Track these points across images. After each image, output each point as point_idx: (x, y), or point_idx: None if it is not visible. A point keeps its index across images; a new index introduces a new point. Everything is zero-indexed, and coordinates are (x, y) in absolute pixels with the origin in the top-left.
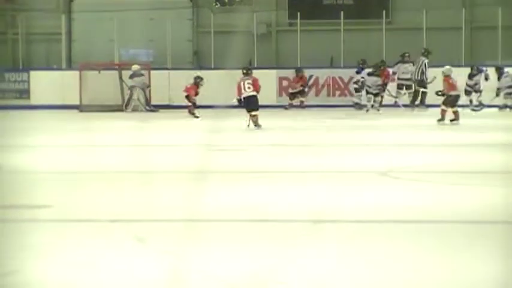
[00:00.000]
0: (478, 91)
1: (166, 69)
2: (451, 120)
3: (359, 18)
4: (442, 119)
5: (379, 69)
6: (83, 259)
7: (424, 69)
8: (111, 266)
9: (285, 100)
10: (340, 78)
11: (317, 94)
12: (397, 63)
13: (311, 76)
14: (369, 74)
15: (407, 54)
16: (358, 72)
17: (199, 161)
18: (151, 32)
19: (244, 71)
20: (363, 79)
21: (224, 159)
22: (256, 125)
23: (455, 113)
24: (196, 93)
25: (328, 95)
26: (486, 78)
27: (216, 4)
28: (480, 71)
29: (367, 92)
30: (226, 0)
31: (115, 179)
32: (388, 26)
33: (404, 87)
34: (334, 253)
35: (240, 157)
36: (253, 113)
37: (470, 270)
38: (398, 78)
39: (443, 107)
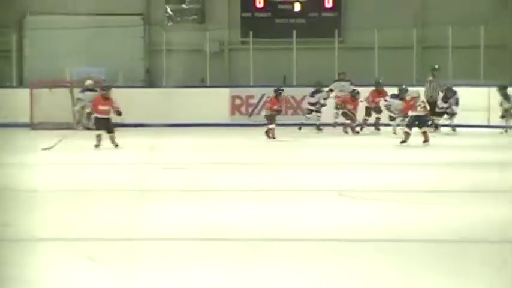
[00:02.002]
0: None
1: (118, 87)
2: (423, 142)
3: (311, 37)
4: (404, 140)
5: (404, 92)
6: (34, 278)
7: (428, 88)
8: (62, 285)
9: (238, 118)
10: (293, 97)
11: None
12: (334, 82)
13: (263, 95)
14: (393, 97)
15: (342, 72)
16: (314, 94)
17: (147, 180)
18: (104, 49)
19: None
20: (387, 103)
21: (172, 177)
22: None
23: (424, 133)
24: (278, 106)
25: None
26: (457, 103)
27: (169, 22)
28: (454, 93)
29: (391, 118)
30: (179, 18)
31: (61, 197)
32: (340, 45)
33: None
34: (287, 272)
35: (189, 175)
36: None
37: None
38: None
39: (405, 128)
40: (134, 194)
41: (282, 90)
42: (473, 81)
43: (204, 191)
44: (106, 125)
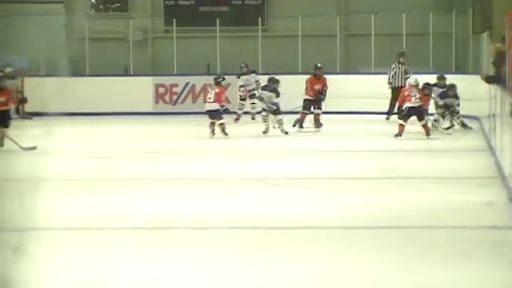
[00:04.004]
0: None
1: (41, 75)
2: (426, 135)
3: (235, 25)
4: (398, 134)
5: (276, 82)
6: None
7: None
8: None
9: (162, 107)
10: None
11: (194, 101)
12: (239, 77)
13: (187, 83)
14: (264, 88)
15: (243, 65)
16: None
17: (74, 169)
18: (25, 38)
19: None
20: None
21: (99, 166)
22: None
23: (424, 126)
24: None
25: (205, 101)
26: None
27: (91, 10)
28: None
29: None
30: (101, 7)
31: None
32: (264, 33)
33: (247, 98)
34: (208, 259)
35: (116, 164)
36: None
37: (341, 274)
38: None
39: (399, 120)
40: (61, 184)
41: (223, 78)
42: None
43: (131, 180)
44: (2, 119)
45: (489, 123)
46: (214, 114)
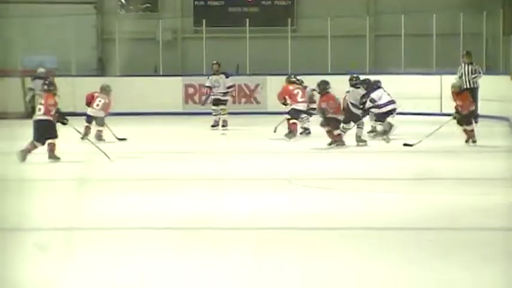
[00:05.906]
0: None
1: (71, 76)
2: (472, 141)
3: (264, 26)
4: (474, 140)
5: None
6: None
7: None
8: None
9: (191, 107)
10: (246, 85)
11: None
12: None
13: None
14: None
15: (214, 62)
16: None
17: (102, 169)
18: (56, 38)
19: None
20: None
21: (127, 166)
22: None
23: (471, 132)
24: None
25: (234, 102)
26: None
27: (121, 11)
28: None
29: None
30: (131, 7)
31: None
32: (294, 34)
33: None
34: (239, 261)
35: (143, 164)
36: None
37: (364, 274)
38: (213, 93)
39: (465, 127)
40: (91, 184)
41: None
42: (425, 69)
43: (159, 180)
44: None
45: None
46: (96, 121)
